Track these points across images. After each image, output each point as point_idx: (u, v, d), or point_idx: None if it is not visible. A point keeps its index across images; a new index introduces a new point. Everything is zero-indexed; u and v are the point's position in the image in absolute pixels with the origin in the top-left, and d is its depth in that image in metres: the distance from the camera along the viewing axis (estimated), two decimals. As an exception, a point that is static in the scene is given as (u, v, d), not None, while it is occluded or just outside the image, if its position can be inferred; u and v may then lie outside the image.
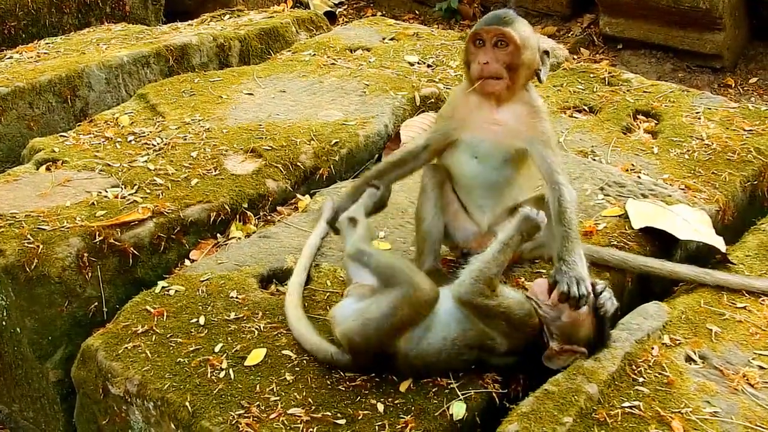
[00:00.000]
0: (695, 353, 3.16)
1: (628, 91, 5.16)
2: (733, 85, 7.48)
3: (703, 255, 3.89)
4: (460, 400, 3.04)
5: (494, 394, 3.09)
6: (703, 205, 4.06)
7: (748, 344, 3.22)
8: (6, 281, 3.66)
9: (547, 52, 3.43)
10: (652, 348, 3.16)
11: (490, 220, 3.52)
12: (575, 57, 7.40)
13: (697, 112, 4.86)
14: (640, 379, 3.02)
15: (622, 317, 3.34)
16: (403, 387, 3.11)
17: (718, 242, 3.76)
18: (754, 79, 7.53)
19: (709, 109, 4.91)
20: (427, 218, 3.53)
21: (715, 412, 2.90)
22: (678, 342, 3.21)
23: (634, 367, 3.07)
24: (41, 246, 3.71)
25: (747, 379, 3.05)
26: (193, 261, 3.94)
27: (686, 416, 2.88)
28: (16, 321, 3.74)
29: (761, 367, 3.11)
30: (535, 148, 3.37)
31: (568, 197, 3.30)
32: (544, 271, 3.61)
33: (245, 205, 4.17)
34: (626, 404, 2.92)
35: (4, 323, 3.83)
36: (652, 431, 2.82)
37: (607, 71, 5.43)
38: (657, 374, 3.05)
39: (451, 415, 2.99)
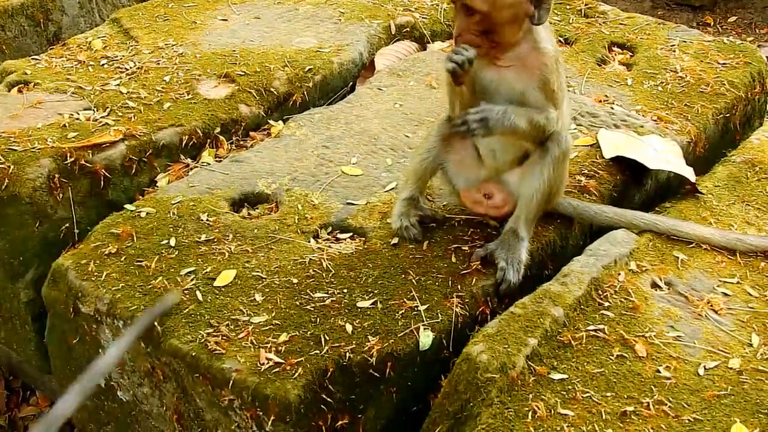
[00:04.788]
0: (661, 280, 3.20)
1: (604, 23, 5.14)
2: (712, 24, 7.48)
3: (673, 185, 3.92)
4: (427, 328, 3.07)
5: (460, 317, 3.13)
6: (675, 136, 4.08)
7: (713, 272, 3.26)
8: (-25, 201, 3.66)
9: None
10: (619, 274, 3.19)
11: (497, 165, 3.36)
12: (555, -7, 7.34)
13: (672, 45, 4.84)
14: (606, 304, 3.07)
15: (591, 243, 3.38)
16: (362, 304, 3.17)
17: (688, 172, 3.78)
18: (733, 18, 7.53)
19: (685, 42, 4.89)
20: (425, 151, 3.44)
21: (678, 336, 2.95)
22: (644, 269, 3.24)
23: (600, 292, 3.11)
24: (12, 166, 3.70)
25: (711, 306, 3.10)
26: (158, 185, 3.95)
27: (650, 340, 2.93)
28: (-14, 241, 3.74)
29: (725, 294, 3.16)
30: (530, 92, 3.14)
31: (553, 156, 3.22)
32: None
33: (218, 130, 4.15)
34: (591, 327, 2.97)
35: (-26, 244, 3.82)
36: (616, 353, 2.87)
37: (584, 3, 5.40)
38: (622, 299, 3.09)
39: (419, 339, 3.04)
